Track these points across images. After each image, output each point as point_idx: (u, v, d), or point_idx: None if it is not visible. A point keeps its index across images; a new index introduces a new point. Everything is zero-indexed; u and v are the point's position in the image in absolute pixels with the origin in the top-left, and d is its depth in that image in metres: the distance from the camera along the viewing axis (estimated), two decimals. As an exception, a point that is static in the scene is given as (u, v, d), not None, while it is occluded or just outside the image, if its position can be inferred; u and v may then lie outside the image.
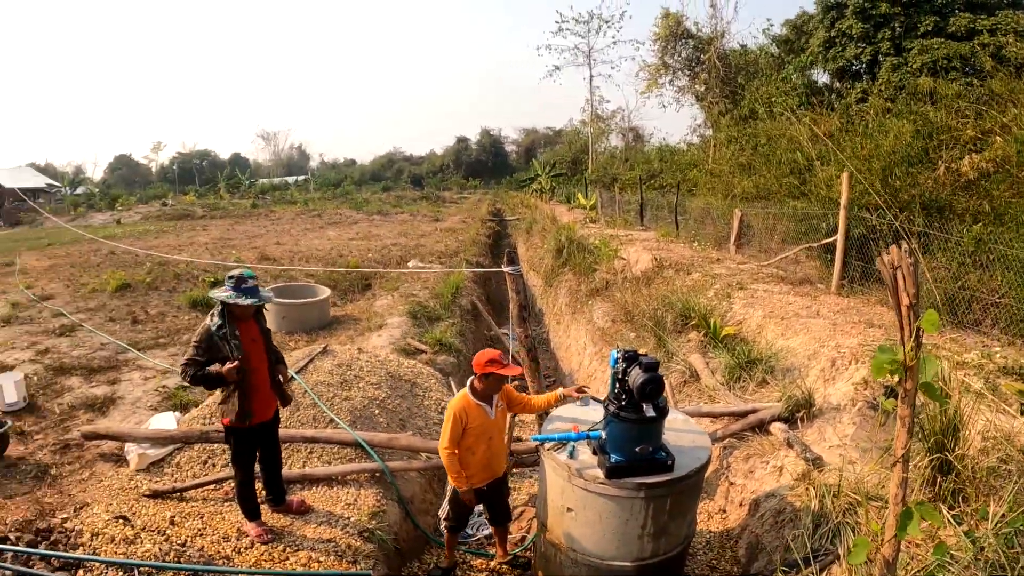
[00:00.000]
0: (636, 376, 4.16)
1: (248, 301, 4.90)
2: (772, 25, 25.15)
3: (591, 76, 42.19)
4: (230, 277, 5.00)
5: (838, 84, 20.03)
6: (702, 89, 27.84)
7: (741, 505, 5.88)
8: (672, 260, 12.86)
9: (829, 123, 14.44)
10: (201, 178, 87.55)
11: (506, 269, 6.86)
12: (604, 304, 12.70)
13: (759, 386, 7.16)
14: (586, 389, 5.10)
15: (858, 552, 2.75)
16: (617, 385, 4.36)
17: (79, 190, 65.30)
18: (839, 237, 9.66)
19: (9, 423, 7.28)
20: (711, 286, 10.36)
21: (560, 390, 5.20)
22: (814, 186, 12.55)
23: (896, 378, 2.65)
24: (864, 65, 18.97)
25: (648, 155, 32.84)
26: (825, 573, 4.12)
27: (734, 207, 14.57)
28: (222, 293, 4.95)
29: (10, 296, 15.16)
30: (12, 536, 5.25)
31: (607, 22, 41.03)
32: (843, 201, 9.49)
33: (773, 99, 20.08)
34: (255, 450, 5.37)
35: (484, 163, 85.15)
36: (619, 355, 4.39)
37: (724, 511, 6.14)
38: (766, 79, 22.70)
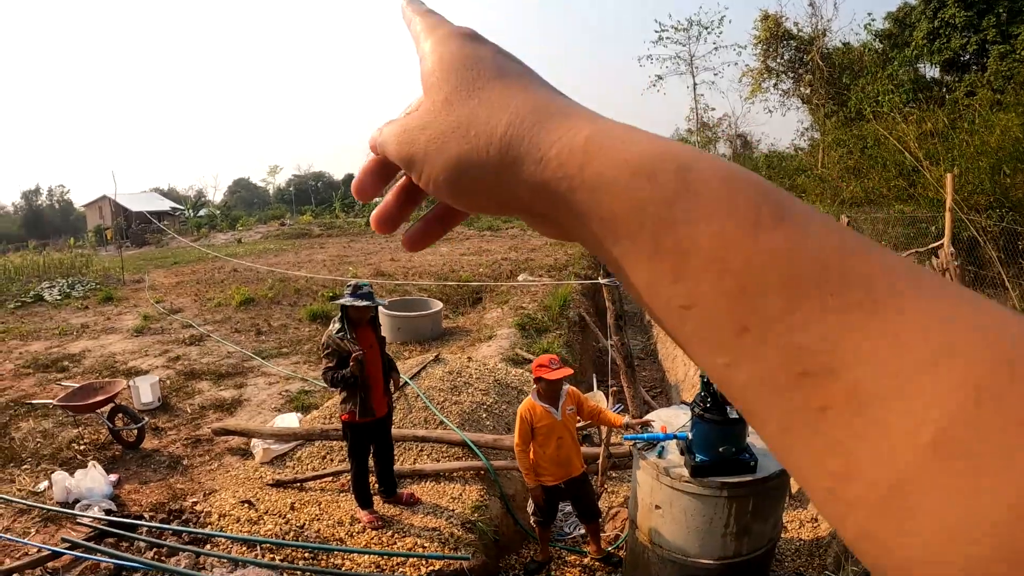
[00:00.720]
0: (720, 379, 4.39)
1: (363, 303, 5.58)
2: (874, 19, 24.20)
3: (695, 84, 41.67)
4: (348, 285, 5.76)
5: (947, 77, 19.31)
6: (807, 91, 27.24)
7: (834, 513, 5.96)
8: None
9: (936, 120, 14.04)
10: (316, 198, 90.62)
11: (602, 281, 7.20)
12: (712, 316, 12.69)
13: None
14: (652, 423, 5.27)
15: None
16: (704, 388, 4.63)
17: (201, 212, 68.36)
18: (945, 241, 9.46)
19: (146, 419, 8.11)
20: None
21: (626, 418, 5.54)
22: (922, 188, 12.26)
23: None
24: (971, 56, 18.22)
25: (756, 162, 32.23)
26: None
27: (841, 212, 14.34)
28: (342, 299, 5.68)
29: (142, 309, 16.52)
30: (147, 515, 6.02)
31: (706, 28, 40.14)
32: (948, 203, 9.30)
33: (880, 97, 19.53)
34: (369, 445, 5.93)
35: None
36: (707, 359, 4.63)
37: (816, 520, 6.23)
38: (871, 77, 22.06)
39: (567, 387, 5.44)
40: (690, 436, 4.67)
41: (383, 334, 6.20)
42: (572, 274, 19.34)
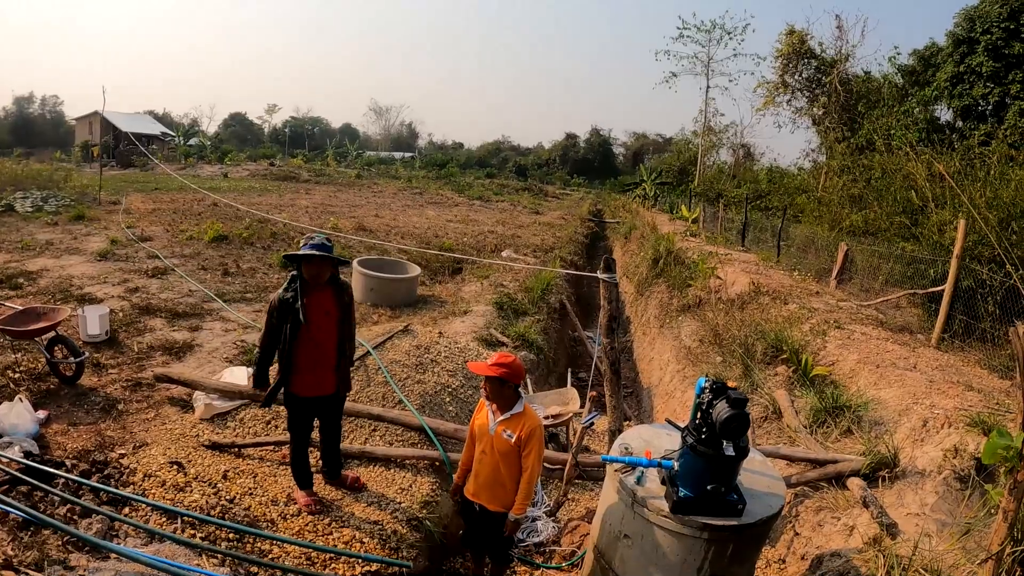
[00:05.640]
0: (721, 410, 3.90)
1: (307, 250, 4.84)
2: (899, 54, 23.70)
3: (707, 87, 41.29)
4: (305, 236, 5.02)
5: (961, 123, 19.02)
6: (820, 113, 26.87)
7: (803, 559, 5.55)
8: (769, 286, 12.35)
9: (949, 164, 13.67)
10: (310, 144, 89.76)
11: (602, 276, 6.61)
12: (694, 322, 12.33)
13: (843, 435, 6.76)
14: None
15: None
16: (699, 416, 4.12)
17: (192, 141, 67.79)
18: (947, 287, 9.08)
19: (87, 354, 7.54)
20: (807, 320, 9.88)
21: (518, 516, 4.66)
22: (926, 229, 11.90)
23: (1008, 465, 2.39)
24: (991, 106, 17.93)
25: (756, 174, 32.03)
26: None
27: (840, 239, 13.97)
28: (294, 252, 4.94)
29: (111, 233, 15.88)
30: (68, 463, 5.40)
31: (729, 33, 39.61)
32: (956, 250, 8.92)
33: (892, 131, 19.20)
34: (310, 420, 5.36)
35: (590, 162, 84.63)
36: (706, 384, 4.11)
37: (784, 561, 5.81)
38: (887, 109, 21.74)
39: (521, 409, 4.53)
40: (676, 466, 4.21)
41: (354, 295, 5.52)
42: (558, 258, 18.90)
